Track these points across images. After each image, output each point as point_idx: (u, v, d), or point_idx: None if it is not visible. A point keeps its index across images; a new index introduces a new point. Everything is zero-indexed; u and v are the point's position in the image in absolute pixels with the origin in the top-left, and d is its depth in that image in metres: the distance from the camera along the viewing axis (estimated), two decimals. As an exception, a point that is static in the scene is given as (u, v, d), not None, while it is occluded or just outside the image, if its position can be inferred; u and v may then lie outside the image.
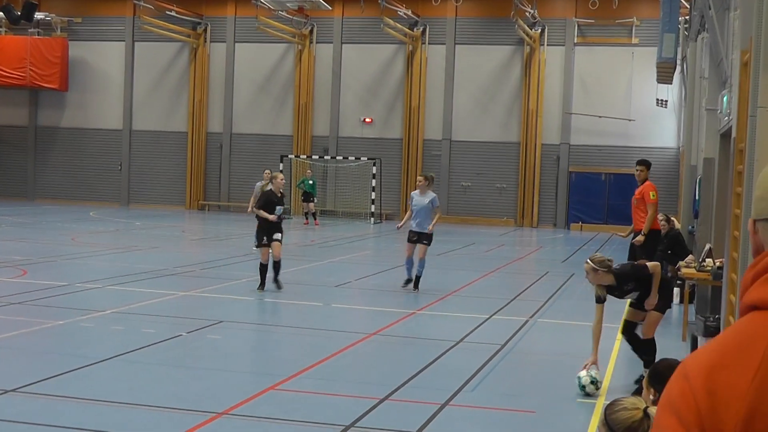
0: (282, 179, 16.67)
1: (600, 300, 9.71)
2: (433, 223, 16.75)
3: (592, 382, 9.24)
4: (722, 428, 1.65)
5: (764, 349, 1.68)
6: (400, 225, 17.73)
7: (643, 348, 9.94)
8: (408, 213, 17.10)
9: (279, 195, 16.30)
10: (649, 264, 9.91)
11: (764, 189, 1.90)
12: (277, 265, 16.11)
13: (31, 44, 41.74)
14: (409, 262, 16.83)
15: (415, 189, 17.33)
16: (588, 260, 9.65)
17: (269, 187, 16.76)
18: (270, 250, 16.06)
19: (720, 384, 1.68)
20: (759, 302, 1.77)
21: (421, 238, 16.63)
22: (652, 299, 9.79)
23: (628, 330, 10.14)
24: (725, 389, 1.67)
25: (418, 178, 17.40)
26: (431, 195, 16.79)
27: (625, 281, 9.73)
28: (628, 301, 10.20)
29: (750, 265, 1.86)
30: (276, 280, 16.13)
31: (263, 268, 16.06)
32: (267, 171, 22.93)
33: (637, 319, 10.08)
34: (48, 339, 11.59)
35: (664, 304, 9.97)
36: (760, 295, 1.78)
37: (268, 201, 16.11)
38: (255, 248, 16.75)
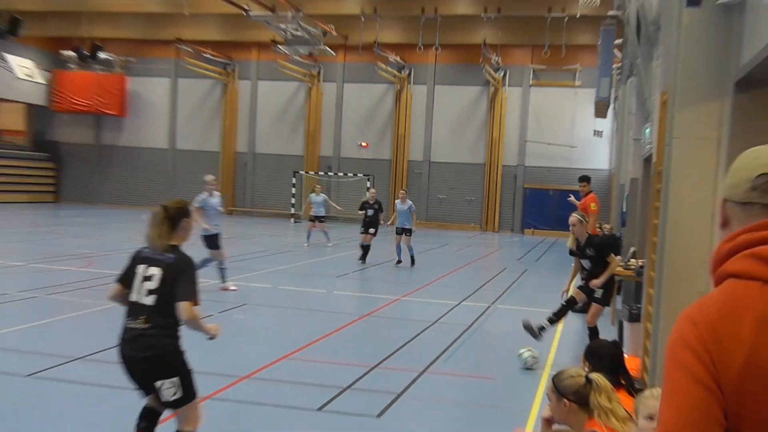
0: (373, 192, 20.99)
1: (572, 253, 9.96)
2: (413, 223, 19.86)
3: (524, 355, 9.32)
4: (728, 368, 1.69)
5: (753, 308, 1.71)
6: (389, 222, 21.65)
7: (589, 333, 9.90)
8: (393, 215, 20.46)
9: (371, 202, 20.22)
10: (612, 254, 9.80)
11: (738, 178, 1.85)
12: (364, 248, 19.84)
13: (96, 79, 41.60)
14: (398, 248, 19.89)
15: (397, 199, 20.12)
16: (574, 214, 9.70)
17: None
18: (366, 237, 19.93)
19: (725, 335, 1.71)
20: (741, 273, 1.76)
21: (405, 231, 19.70)
22: (598, 281, 9.69)
23: (570, 304, 9.94)
24: (729, 339, 1.70)
25: (400, 192, 20.24)
26: (409, 203, 19.83)
27: (590, 244, 9.67)
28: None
29: (725, 239, 1.83)
30: (363, 257, 19.83)
31: (362, 248, 19.90)
32: (318, 186, 27.07)
33: (579, 298, 9.86)
34: (109, 316, 11.54)
35: (605, 300, 9.84)
36: (741, 268, 1.77)
37: (364, 206, 20.36)
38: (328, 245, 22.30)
